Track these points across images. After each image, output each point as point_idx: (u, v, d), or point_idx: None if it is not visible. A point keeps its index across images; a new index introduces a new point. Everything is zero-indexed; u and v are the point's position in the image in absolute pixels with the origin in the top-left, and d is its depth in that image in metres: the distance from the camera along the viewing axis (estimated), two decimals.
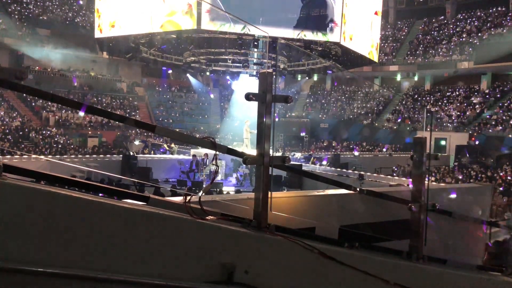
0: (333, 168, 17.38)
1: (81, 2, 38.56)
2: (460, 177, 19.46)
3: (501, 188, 16.63)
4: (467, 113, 31.06)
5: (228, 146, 2.71)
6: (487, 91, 32.72)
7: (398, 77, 39.07)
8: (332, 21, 18.31)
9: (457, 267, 3.56)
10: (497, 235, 6.40)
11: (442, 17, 40.10)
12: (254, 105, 2.48)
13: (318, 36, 18.54)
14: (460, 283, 3.40)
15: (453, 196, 5.37)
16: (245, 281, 2.17)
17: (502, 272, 3.93)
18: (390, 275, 2.81)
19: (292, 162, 14.58)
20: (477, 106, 31.44)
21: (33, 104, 31.76)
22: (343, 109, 38.45)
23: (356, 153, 24.99)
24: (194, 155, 16.71)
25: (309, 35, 18.53)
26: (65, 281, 1.75)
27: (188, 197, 2.31)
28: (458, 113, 31.54)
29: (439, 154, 4.01)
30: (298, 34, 17.97)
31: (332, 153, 24.87)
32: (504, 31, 32.71)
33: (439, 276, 3.30)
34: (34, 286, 1.70)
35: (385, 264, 2.95)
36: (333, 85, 42.79)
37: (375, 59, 22.65)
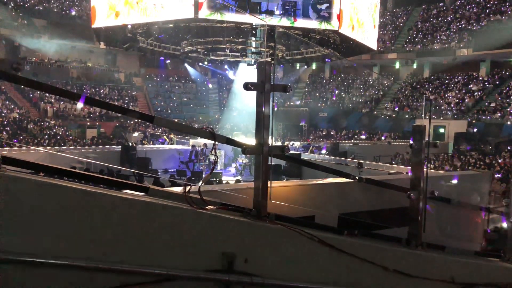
0: (332, 157, 17.41)
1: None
2: (456, 163, 19.51)
3: (499, 175, 16.67)
4: (466, 100, 31.00)
5: (228, 136, 2.71)
6: (486, 78, 32.61)
7: (397, 65, 38.89)
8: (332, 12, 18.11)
9: (455, 253, 3.59)
10: (495, 222, 6.43)
11: (441, 3, 39.75)
12: (253, 94, 2.47)
13: (319, 25, 18.28)
14: (458, 269, 3.42)
15: (455, 181, 5.38)
16: (245, 270, 2.19)
17: (500, 258, 3.97)
18: (389, 262, 2.83)
19: (291, 152, 14.62)
20: (476, 93, 31.37)
21: (31, 95, 31.61)
22: (342, 98, 38.35)
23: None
24: (193, 145, 16.71)
25: (311, 24, 18.29)
26: (62, 271, 1.76)
27: (188, 187, 2.31)
28: (457, 100, 31.49)
29: (438, 142, 4.01)
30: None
31: (331, 141, 24.91)
32: (503, 18, 32.48)
33: (438, 263, 3.32)
34: (33, 277, 1.72)
35: (384, 251, 2.97)
36: (332, 73, 42.61)
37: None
